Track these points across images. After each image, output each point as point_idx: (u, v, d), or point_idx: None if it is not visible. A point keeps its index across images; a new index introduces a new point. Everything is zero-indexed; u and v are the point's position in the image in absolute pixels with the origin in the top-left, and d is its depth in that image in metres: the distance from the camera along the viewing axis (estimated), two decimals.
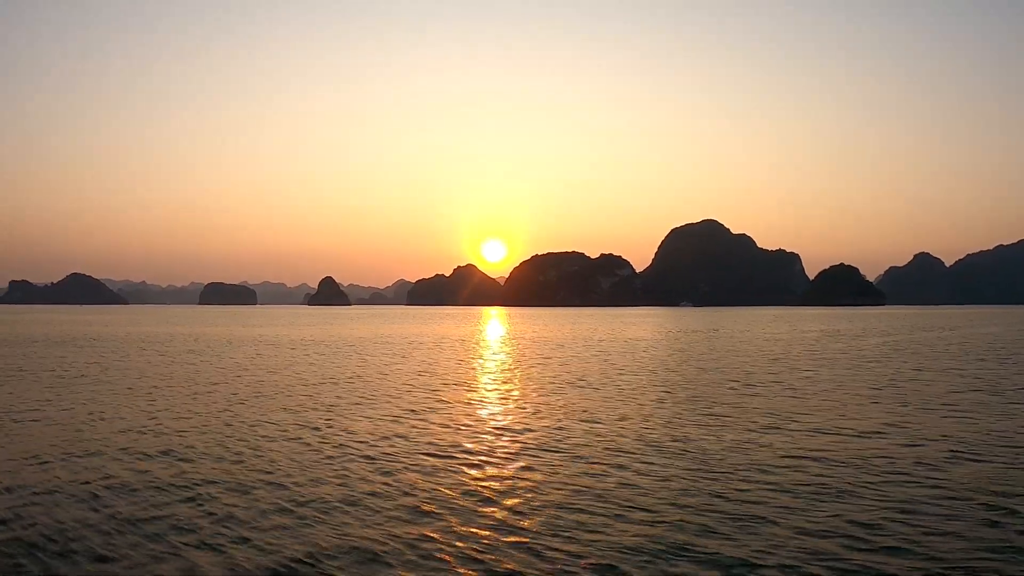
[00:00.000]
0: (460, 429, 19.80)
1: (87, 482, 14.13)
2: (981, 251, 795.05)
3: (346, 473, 14.74)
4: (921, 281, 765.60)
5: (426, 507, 12.30)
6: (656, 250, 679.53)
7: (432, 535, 10.89)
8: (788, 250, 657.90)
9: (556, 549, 10.29)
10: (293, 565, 9.77)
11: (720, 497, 12.80)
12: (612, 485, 13.65)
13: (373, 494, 13.10)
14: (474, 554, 10.14)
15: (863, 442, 17.72)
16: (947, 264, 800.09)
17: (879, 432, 18.98)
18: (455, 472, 14.81)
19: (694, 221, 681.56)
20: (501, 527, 11.26)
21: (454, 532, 11.03)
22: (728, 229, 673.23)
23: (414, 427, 20.07)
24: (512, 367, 39.51)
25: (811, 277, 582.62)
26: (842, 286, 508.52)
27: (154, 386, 30.07)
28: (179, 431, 19.54)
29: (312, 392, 28.08)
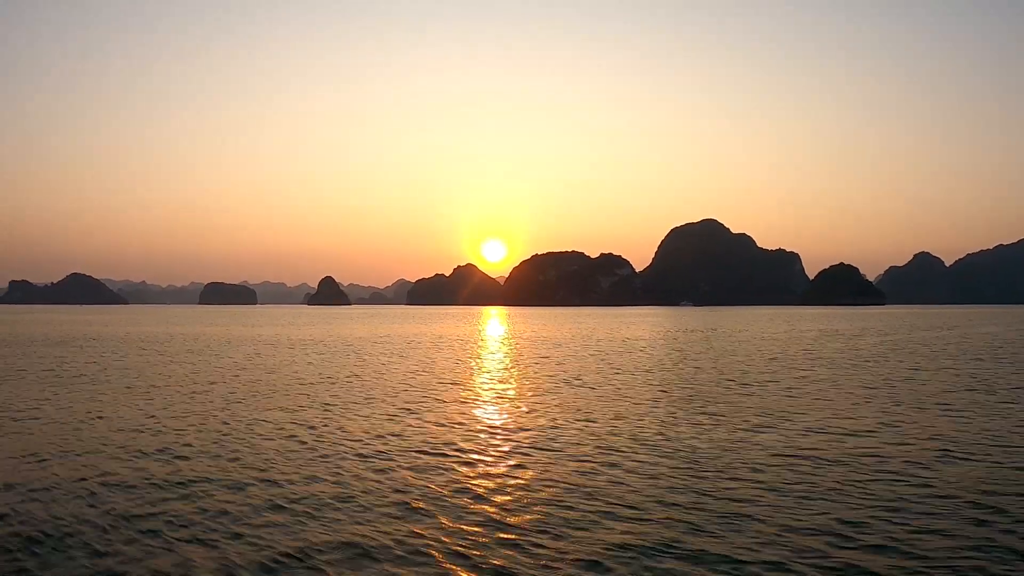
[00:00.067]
0: (454, 427, 19.94)
1: (84, 479, 14.31)
2: (981, 251, 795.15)
3: (340, 471, 14.89)
4: (921, 281, 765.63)
5: (417, 504, 12.45)
6: (656, 250, 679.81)
7: (422, 532, 11.04)
8: (788, 250, 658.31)
9: (544, 546, 10.43)
10: (285, 561, 9.92)
11: (708, 495, 12.94)
12: (603, 483, 13.79)
13: (366, 491, 13.26)
14: (462, 550, 10.29)
15: (855, 441, 17.85)
16: (947, 264, 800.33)
17: (871, 431, 19.10)
18: (448, 470, 14.95)
19: (694, 221, 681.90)
20: (491, 524, 11.41)
21: (444, 529, 11.18)
22: (728, 229, 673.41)
23: (409, 426, 20.22)
24: (509, 366, 39.65)
25: (811, 277, 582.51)
26: (842, 286, 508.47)
27: (153, 385, 30.22)
28: (176, 429, 19.69)
29: (309, 391, 28.23)
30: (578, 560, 9.87)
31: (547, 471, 14.82)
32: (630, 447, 17.12)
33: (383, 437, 18.54)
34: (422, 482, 13.95)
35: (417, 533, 11.00)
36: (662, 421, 20.81)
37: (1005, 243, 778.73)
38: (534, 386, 29.84)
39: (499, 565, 9.79)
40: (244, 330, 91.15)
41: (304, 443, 17.83)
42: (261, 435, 18.88)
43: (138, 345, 59.06)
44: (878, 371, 35.69)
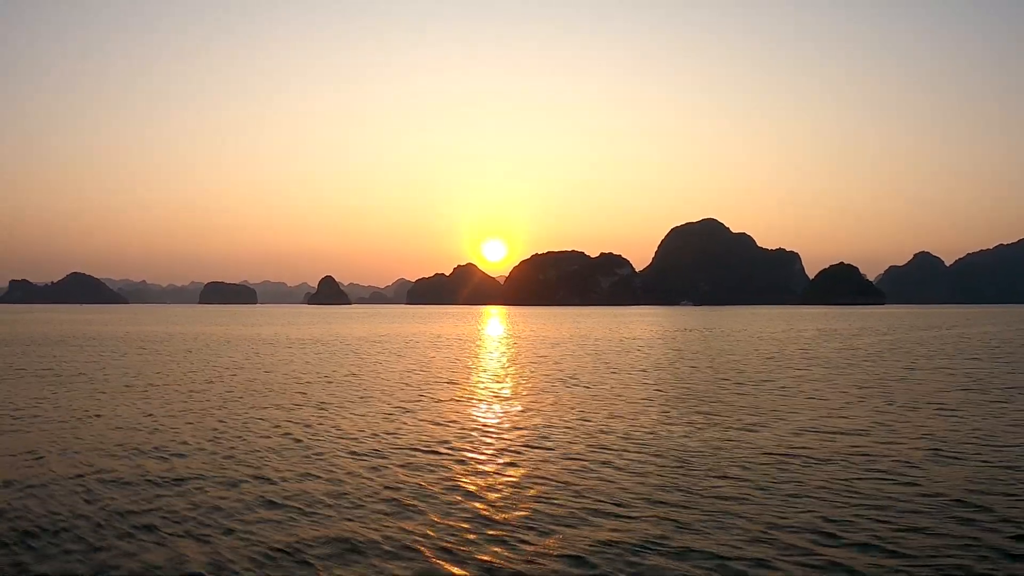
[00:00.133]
0: (448, 426, 20.09)
1: (82, 475, 14.51)
2: (981, 250, 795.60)
3: (333, 468, 15.05)
4: (921, 280, 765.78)
5: (408, 501, 12.61)
6: (656, 249, 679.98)
7: (411, 528, 11.19)
8: (788, 249, 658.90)
9: (531, 542, 10.59)
10: (276, 556, 10.08)
11: (696, 494, 13.07)
12: (593, 481, 13.94)
13: (358, 489, 13.42)
14: (450, 546, 10.44)
15: (845, 439, 17.97)
16: (947, 263, 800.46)
17: (863, 430, 19.20)
18: (440, 468, 15.11)
19: (694, 220, 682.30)
20: (479, 521, 11.56)
21: (433, 525, 11.34)
22: (728, 228, 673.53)
23: (404, 424, 20.37)
24: (506, 365, 39.79)
25: (811, 276, 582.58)
26: (842, 285, 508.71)
27: (151, 384, 30.38)
28: (173, 427, 19.86)
29: (306, 390, 28.38)
30: (563, 556, 10.02)
31: (538, 469, 14.97)
32: (621, 445, 17.27)
33: (377, 435, 18.69)
34: (413, 480, 14.10)
35: (406, 529, 11.15)
36: (655, 420, 20.95)
37: (1005, 243, 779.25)
38: (530, 385, 29.99)
39: (485, 560, 9.94)
40: (243, 329, 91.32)
41: (299, 441, 17.98)
42: (256, 433, 19.03)
43: (137, 344, 59.21)
44: (873, 371, 35.82)
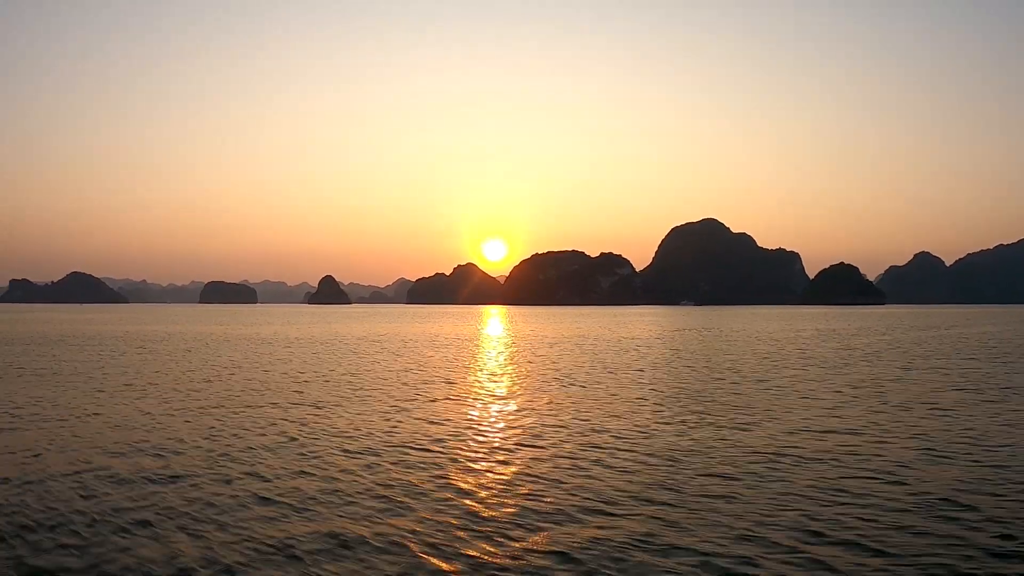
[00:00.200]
0: (442, 424, 20.23)
1: (79, 472, 14.69)
2: (981, 250, 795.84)
3: (327, 466, 15.21)
4: (921, 280, 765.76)
5: (400, 499, 12.76)
6: (656, 249, 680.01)
7: (402, 525, 11.34)
8: (788, 249, 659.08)
9: (517, 538, 10.74)
10: (268, 551, 10.24)
11: (684, 492, 13.20)
12: (582, 479, 14.08)
13: (351, 486, 13.58)
14: (438, 542, 10.59)
15: (836, 439, 18.07)
16: (947, 263, 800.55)
17: (854, 430, 19.29)
18: (432, 466, 15.25)
19: (694, 220, 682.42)
20: (467, 517, 11.72)
21: (422, 521, 11.49)
22: (728, 228, 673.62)
23: (398, 423, 20.51)
24: (502, 365, 39.93)
25: (811, 276, 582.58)
26: (842, 285, 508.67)
27: (149, 383, 30.53)
28: (170, 426, 20.02)
29: (303, 389, 28.53)
30: (550, 553, 10.17)
31: (529, 467, 15.12)
32: (613, 444, 17.41)
33: (372, 434, 18.84)
34: (406, 477, 14.25)
35: (397, 526, 11.30)
36: (648, 419, 21.08)
37: (1005, 243, 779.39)
38: (525, 384, 30.13)
39: (473, 556, 10.09)
40: (243, 329, 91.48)
41: (294, 439, 18.14)
42: (252, 431, 19.19)
43: (137, 344, 59.37)
44: (869, 371, 35.93)
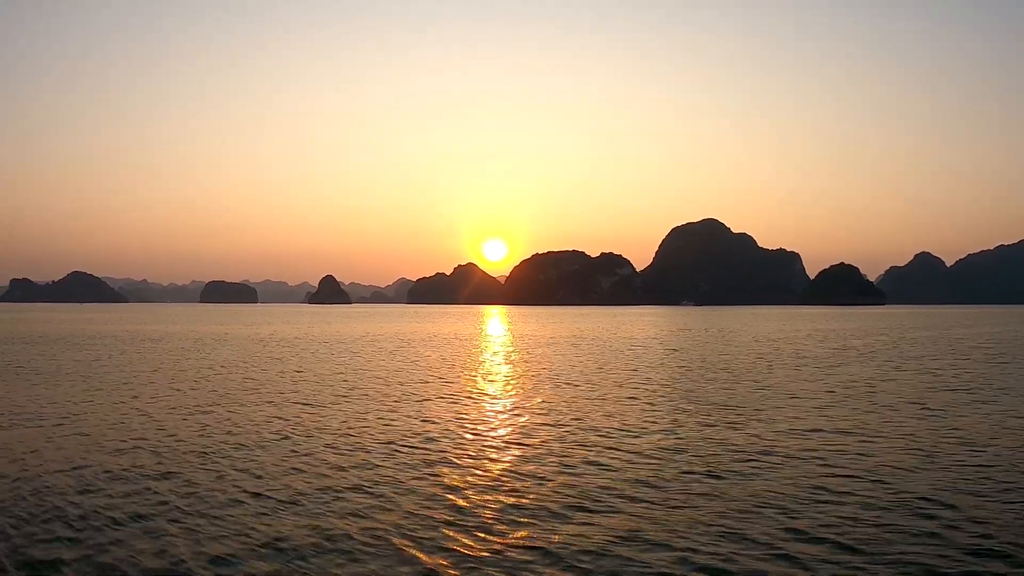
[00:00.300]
0: (435, 423, 20.47)
1: (75, 468, 15.00)
2: (982, 251, 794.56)
3: (317, 463, 15.49)
4: (922, 281, 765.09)
5: (387, 495, 13.02)
6: (656, 249, 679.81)
7: (389, 520, 11.59)
8: (788, 249, 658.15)
9: (503, 536, 10.98)
10: (258, 546, 10.50)
11: (667, 491, 13.42)
12: (569, 477, 14.32)
13: (340, 482, 13.84)
14: (423, 538, 10.83)
15: (823, 438, 18.25)
16: (948, 264, 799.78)
17: (842, 430, 19.37)
18: (421, 464, 15.48)
19: (694, 220, 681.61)
20: (455, 514, 11.96)
21: (409, 517, 11.73)
22: (728, 228, 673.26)
23: (391, 421, 20.76)
24: (498, 364, 40.14)
25: (811, 276, 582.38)
26: (842, 285, 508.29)
27: (147, 382, 30.78)
28: (166, 423, 20.30)
29: (298, 387, 28.76)
30: (532, 548, 10.41)
31: (516, 465, 15.37)
32: (601, 443, 17.64)
33: (364, 432, 19.09)
34: (393, 474, 14.51)
35: (381, 521, 11.57)
36: (637, 418, 21.29)
37: (1006, 243, 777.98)
38: (519, 384, 30.36)
39: (452, 550, 10.35)
40: (242, 328, 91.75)
41: (287, 437, 18.42)
42: (246, 429, 19.46)
43: (136, 343, 59.61)
44: (863, 371, 36.10)
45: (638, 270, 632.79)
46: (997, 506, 12.46)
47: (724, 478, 14.25)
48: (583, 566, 9.79)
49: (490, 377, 33.45)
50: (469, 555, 10.16)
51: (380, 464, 15.41)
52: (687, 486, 13.66)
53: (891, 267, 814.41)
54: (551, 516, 11.85)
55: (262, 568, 9.70)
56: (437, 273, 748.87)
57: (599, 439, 18.10)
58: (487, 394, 27.26)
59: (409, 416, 21.71)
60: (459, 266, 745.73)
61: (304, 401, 24.96)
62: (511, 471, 14.84)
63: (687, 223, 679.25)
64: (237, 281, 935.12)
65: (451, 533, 11.03)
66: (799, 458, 16.01)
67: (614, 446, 17.26)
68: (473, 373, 35.38)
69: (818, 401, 25.01)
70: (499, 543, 10.62)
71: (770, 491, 13.30)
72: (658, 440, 18.02)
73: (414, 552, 10.27)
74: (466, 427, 19.99)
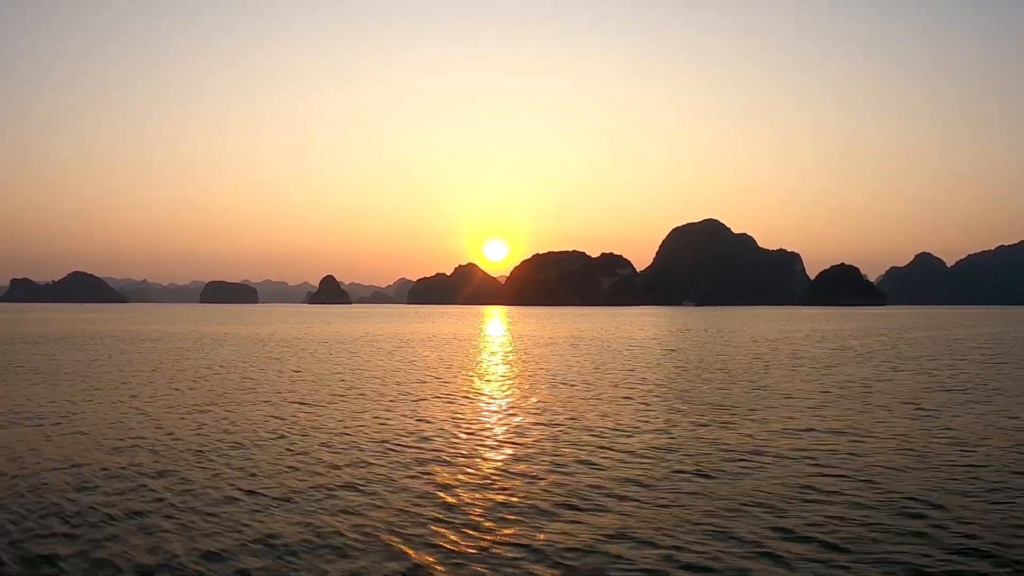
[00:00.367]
0: (430, 422, 20.62)
1: (73, 466, 15.20)
2: (982, 251, 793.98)
3: (311, 461, 15.65)
4: (922, 281, 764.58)
5: (380, 493, 13.18)
6: (657, 250, 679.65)
7: (381, 518, 11.74)
8: (789, 250, 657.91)
9: (494, 533, 11.13)
10: (251, 543, 10.64)
11: (658, 489, 13.55)
12: (560, 476, 14.47)
13: (333, 480, 14.00)
14: (414, 535, 10.98)
15: (814, 438, 18.34)
16: (948, 264, 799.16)
17: (835, 430, 19.44)
18: (415, 463, 15.63)
19: (695, 220, 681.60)
20: (447, 512, 12.11)
21: (401, 515, 11.89)
22: (729, 229, 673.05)
23: (386, 420, 20.92)
24: (495, 364, 40.27)
25: (812, 277, 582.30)
26: (842, 286, 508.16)
27: (146, 381, 30.93)
28: (163, 422, 20.47)
29: (296, 387, 28.91)
30: (521, 546, 10.56)
31: (508, 464, 15.54)
32: (594, 442, 17.78)
33: (359, 431, 19.26)
34: (387, 473, 14.66)
35: (373, 518, 11.72)
36: (631, 418, 21.43)
37: (1006, 244, 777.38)
38: (515, 384, 30.50)
39: (442, 547, 10.50)
40: (242, 328, 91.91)
41: (283, 436, 18.60)
42: (242, 428, 19.62)
43: (136, 343, 59.76)
44: (859, 371, 36.19)
45: (639, 270, 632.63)
46: (984, 506, 12.55)
47: (714, 477, 14.38)
48: (569, 563, 9.93)
49: (487, 377, 33.59)
50: (457, 552, 10.32)
51: (373, 463, 15.57)
52: (677, 485, 13.79)
53: (891, 267, 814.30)
54: (540, 514, 12.00)
55: (254, 564, 9.85)
56: (437, 273, 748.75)
57: (592, 439, 18.23)
58: (483, 394, 27.40)
59: (404, 415, 21.85)
60: (459, 266, 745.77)
61: (301, 401, 25.11)
62: (503, 470, 14.99)
63: (687, 223, 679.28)
64: (237, 281, 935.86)
65: (440, 530, 11.19)
66: (790, 458, 16.12)
67: (607, 445, 17.40)
68: (470, 373, 35.50)
69: (812, 401, 25.11)
70: (487, 540, 10.78)
71: (759, 490, 13.41)
72: (650, 440, 18.15)
73: (403, 548, 10.43)
74: (461, 427, 20.13)
